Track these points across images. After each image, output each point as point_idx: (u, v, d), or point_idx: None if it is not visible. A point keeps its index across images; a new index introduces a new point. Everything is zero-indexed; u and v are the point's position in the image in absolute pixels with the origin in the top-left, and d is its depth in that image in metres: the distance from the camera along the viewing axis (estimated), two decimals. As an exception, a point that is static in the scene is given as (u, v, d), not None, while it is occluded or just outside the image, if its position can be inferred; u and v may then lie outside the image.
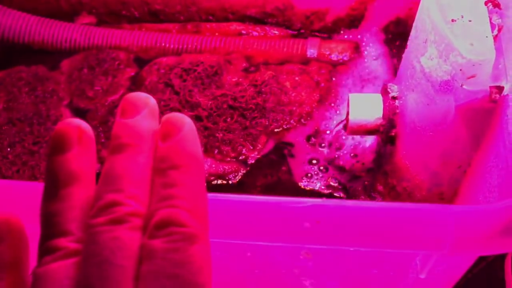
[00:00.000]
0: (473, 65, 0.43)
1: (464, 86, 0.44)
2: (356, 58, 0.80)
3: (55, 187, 0.20)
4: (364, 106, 0.58)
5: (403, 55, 0.57)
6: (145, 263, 0.18)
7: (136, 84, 0.81)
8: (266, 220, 0.29)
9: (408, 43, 0.54)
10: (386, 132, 0.57)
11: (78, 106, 0.79)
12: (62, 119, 0.76)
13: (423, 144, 0.51)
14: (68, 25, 0.82)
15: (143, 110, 0.21)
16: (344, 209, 0.29)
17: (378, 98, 0.58)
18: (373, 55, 0.80)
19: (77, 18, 0.85)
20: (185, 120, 0.21)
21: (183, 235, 0.18)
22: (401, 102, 0.55)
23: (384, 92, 0.58)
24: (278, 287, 0.39)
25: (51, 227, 0.19)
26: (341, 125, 0.71)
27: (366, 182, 0.67)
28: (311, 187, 0.69)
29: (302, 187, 0.70)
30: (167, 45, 0.81)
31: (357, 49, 0.81)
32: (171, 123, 0.21)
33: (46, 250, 0.19)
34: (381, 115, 0.57)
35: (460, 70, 0.43)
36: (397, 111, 0.56)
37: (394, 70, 0.77)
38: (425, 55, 0.47)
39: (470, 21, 0.45)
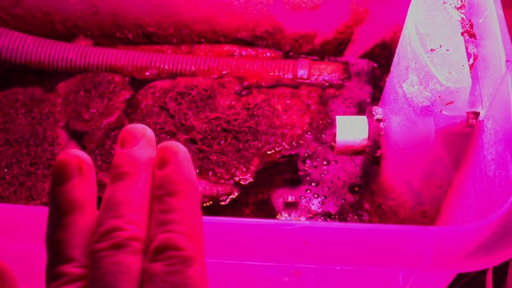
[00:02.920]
0: (451, 92, 0.45)
1: (443, 112, 0.47)
2: (344, 81, 0.83)
3: (58, 215, 0.21)
4: (351, 128, 0.60)
5: (387, 80, 0.60)
6: (146, 285, 0.19)
7: (131, 107, 0.83)
8: (257, 241, 0.31)
9: (392, 68, 0.57)
10: (372, 152, 0.60)
11: (74, 128, 0.81)
12: (59, 141, 0.78)
13: (407, 165, 0.54)
14: (64, 44, 0.85)
15: (141, 140, 0.22)
16: (330, 230, 0.31)
17: (363, 120, 0.61)
18: (360, 78, 0.83)
19: (74, 41, 0.88)
20: (178, 148, 0.22)
21: (181, 258, 0.20)
22: (385, 124, 0.58)
23: (369, 114, 0.61)
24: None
25: (56, 254, 0.21)
26: (329, 147, 0.74)
27: (353, 200, 0.69)
28: (300, 205, 0.72)
29: (291, 204, 0.72)
30: (162, 65, 0.84)
31: (346, 70, 0.84)
32: (165, 151, 0.22)
33: (52, 276, 0.20)
34: (366, 136, 0.60)
35: (439, 96, 0.46)
36: (382, 132, 0.58)
37: (380, 93, 0.80)
38: (406, 81, 0.50)
39: (448, 50, 0.48)
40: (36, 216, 0.32)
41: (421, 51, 0.47)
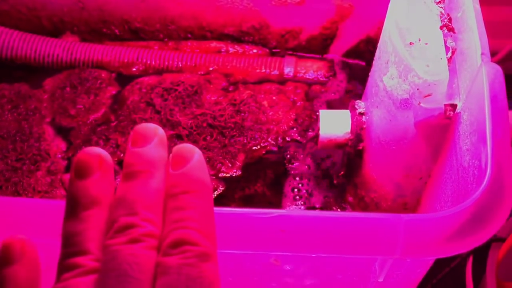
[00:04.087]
0: (429, 84, 0.46)
1: (421, 104, 0.48)
2: (330, 78, 0.84)
3: (76, 209, 0.22)
4: (334, 122, 0.61)
5: (370, 74, 0.60)
6: (160, 277, 0.20)
7: (118, 102, 0.83)
8: (236, 230, 0.32)
9: (374, 62, 0.58)
10: (354, 146, 0.60)
11: (61, 124, 0.81)
12: (45, 136, 0.78)
13: (388, 157, 0.54)
14: (50, 40, 0.85)
15: (153, 139, 0.23)
16: (306, 219, 0.32)
17: (346, 114, 0.61)
18: (345, 75, 0.84)
19: (61, 38, 0.88)
20: (195, 150, 0.23)
21: (196, 253, 0.20)
22: (367, 118, 0.59)
23: (352, 108, 0.61)
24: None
25: (71, 246, 0.21)
26: (313, 140, 0.75)
27: (337, 194, 0.70)
28: (286, 198, 0.72)
29: (277, 198, 0.73)
30: (149, 61, 0.84)
31: (331, 68, 0.84)
32: (182, 152, 0.23)
33: (66, 267, 0.20)
34: (349, 130, 0.60)
35: (418, 89, 0.47)
36: (364, 126, 0.59)
37: (363, 88, 0.81)
38: (387, 75, 0.51)
39: (426, 44, 0.48)
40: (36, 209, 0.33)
41: (400, 44, 0.48)
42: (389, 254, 0.31)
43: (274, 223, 0.32)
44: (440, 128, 0.48)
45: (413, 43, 0.49)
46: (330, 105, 0.81)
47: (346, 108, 0.64)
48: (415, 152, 0.51)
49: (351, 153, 0.62)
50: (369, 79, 0.61)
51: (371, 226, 0.32)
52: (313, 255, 0.33)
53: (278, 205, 0.72)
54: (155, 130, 0.24)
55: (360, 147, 0.60)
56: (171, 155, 0.23)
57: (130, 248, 0.20)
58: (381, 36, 0.55)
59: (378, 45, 0.57)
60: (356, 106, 0.61)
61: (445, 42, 0.49)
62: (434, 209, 0.46)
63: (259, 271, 0.39)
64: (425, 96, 0.47)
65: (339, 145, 0.62)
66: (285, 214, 0.32)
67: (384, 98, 0.52)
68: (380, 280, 0.36)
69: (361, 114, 0.60)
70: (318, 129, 0.64)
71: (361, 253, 0.32)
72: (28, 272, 0.21)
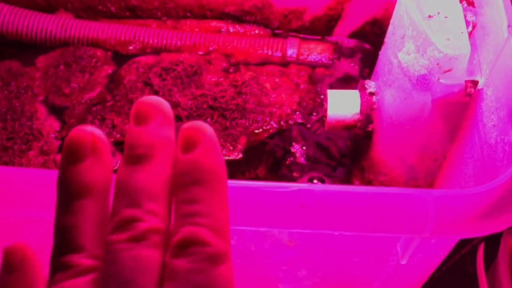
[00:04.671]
0: (450, 59, 0.44)
1: (440, 80, 0.45)
2: (334, 61, 0.81)
3: (68, 199, 0.19)
4: (342, 102, 0.59)
5: (380, 52, 0.58)
6: (167, 283, 0.17)
7: (114, 82, 0.80)
8: (252, 205, 0.29)
9: (386, 39, 0.56)
10: (364, 127, 0.58)
11: (54, 103, 0.77)
12: (37, 115, 0.75)
13: (400, 138, 0.52)
14: (43, 15, 0.81)
15: (158, 116, 0.20)
16: (328, 193, 0.29)
17: (355, 94, 0.59)
18: (350, 57, 0.81)
19: (54, 14, 0.84)
20: (206, 130, 0.20)
21: (207, 255, 0.18)
22: (378, 97, 0.56)
23: (362, 88, 0.59)
24: (260, 276, 0.39)
25: (64, 241, 0.19)
26: (320, 121, 0.72)
27: (342, 178, 0.67)
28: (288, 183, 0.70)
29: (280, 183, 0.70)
30: (146, 40, 0.81)
31: (336, 50, 0.82)
32: (192, 132, 0.19)
33: (59, 266, 0.18)
34: (358, 110, 0.58)
35: (437, 64, 0.44)
36: (374, 106, 0.57)
37: (370, 70, 0.78)
38: (402, 50, 0.49)
39: (446, 17, 0.46)
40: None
41: (418, 17, 0.46)
42: (418, 233, 0.29)
43: (294, 197, 0.29)
44: (459, 105, 0.46)
45: (432, 16, 0.46)
46: (335, 89, 0.79)
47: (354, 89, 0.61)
48: (431, 131, 0.49)
49: (359, 134, 0.59)
50: (380, 57, 0.58)
51: (399, 202, 0.29)
52: (334, 233, 0.31)
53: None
54: (161, 105, 0.20)
55: (370, 128, 0.58)
56: (178, 135, 0.20)
57: (133, 248, 0.18)
58: (394, 11, 0.53)
59: (391, 20, 0.54)
60: (366, 86, 0.58)
61: (465, 17, 0.47)
62: (453, 191, 0.44)
63: (271, 252, 0.36)
64: (445, 72, 0.45)
65: (347, 127, 0.60)
66: (305, 188, 0.29)
67: (399, 75, 0.50)
68: (403, 262, 0.34)
69: (372, 94, 0.58)
70: (325, 110, 0.61)
71: (388, 231, 0.29)
72: (28, 279, 0.19)
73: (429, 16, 0.46)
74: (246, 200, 0.29)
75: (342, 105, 0.59)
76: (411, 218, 0.29)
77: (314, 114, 0.76)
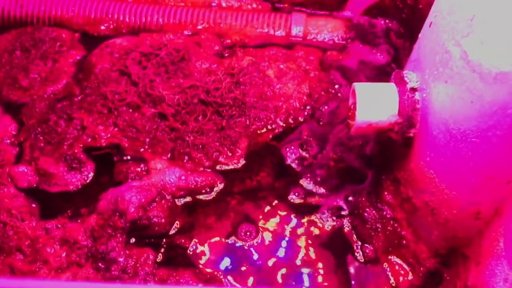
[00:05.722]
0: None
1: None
2: (348, 42, 0.68)
3: None
4: (375, 100, 0.46)
5: (423, 35, 0.45)
6: None
7: (83, 71, 0.65)
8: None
9: (433, 19, 0.42)
10: (403, 132, 0.46)
11: (9, 98, 0.63)
12: (-12, 116, 0.61)
13: (460, 151, 0.40)
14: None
15: None
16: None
17: (392, 89, 0.46)
18: (368, 37, 0.68)
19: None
20: None
21: None
22: (424, 95, 0.44)
23: (399, 81, 0.46)
24: None
25: None
26: (343, 123, 0.59)
27: (369, 189, 0.55)
28: (299, 199, 0.57)
29: (288, 198, 0.57)
30: (121, 17, 0.66)
31: (350, 28, 0.68)
32: None
33: None
34: (396, 111, 0.45)
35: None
36: (418, 106, 0.44)
37: (397, 56, 0.66)
38: (469, 37, 0.36)
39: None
40: None
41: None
42: None
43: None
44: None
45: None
46: (350, 77, 0.65)
47: (386, 81, 0.48)
48: (509, 147, 0.36)
49: (397, 141, 0.47)
50: (425, 42, 0.45)
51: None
52: None
53: (287, 203, 0.57)
54: None
55: (411, 134, 0.46)
56: None
57: None
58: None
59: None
60: (405, 79, 0.46)
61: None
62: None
63: None
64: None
65: (381, 131, 0.47)
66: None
67: (463, 70, 0.37)
68: None
69: (414, 89, 0.45)
70: (350, 109, 0.49)
71: None
72: None
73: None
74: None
75: (376, 103, 0.46)
76: None
77: (326, 107, 0.63)
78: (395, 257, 0.51)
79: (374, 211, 0.53)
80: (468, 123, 0.38)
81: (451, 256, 0.46)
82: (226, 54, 0.68)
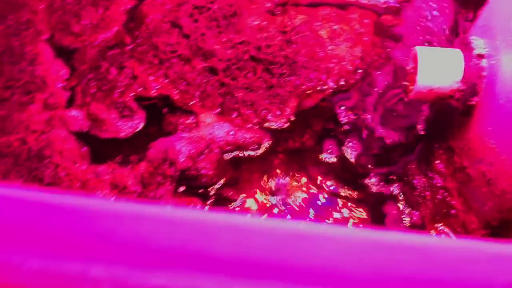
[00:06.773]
0: None
1: None
2: (403, 4, 0.66)
3: None
4: (438, 65, 0.45)
5: None
6: None
7: (134, 20, 0.65)
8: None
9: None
10: (464, 100, 0.44)
11: (61, 43, 0.63)
12: (41, 59, 0.61)
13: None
14: None
15: None
16: None
17: (456, 55, 0.45)
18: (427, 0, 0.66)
19: None
20: None
21: None
22: (492, 62, 0.42)
23: (465, 47, 0.45)
24: None
25: None
26: (401, 87, 0.58)
27: (419, 157, 0.54)
28: (346, 159, 0.57)
29: (325, 159, 0.57)
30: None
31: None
32: None
33: None
34: (460, 77, 0.44)
35: None
36: (484, 73, 0.43)
37: (464, 22, 0.63)
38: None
39: None
40: None
41: None
42: None
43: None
44: None
45: None
46: (406, 43, 0.64)
47: (445, 47, 0.47)
48: None
49: (454, 107, 0.46)
50: (497, 7, 0.43)
51: None
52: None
53: (331, 166, 0.57)
54: None
55: (473, 102, 0.44)
56: None
57: None
58: None
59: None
60: (472, 45, 0.44)
61: None
62: None
63: None
64: None
65: (441, 97, 0.46)
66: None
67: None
68: None
69: (480, 56, 0.44)
70: (408, 74, 0.48)
71: None
72: None
73: None
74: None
75: (438, 68, 0.45)
76: None
77: (379, 72, 0.61)
78: (442, 225, 0.51)
79: (424, 179, 0.52)
80: (542, 93, 0.37)
81: (503, 228, 0.45)
82: (278, 12, 0.67)
